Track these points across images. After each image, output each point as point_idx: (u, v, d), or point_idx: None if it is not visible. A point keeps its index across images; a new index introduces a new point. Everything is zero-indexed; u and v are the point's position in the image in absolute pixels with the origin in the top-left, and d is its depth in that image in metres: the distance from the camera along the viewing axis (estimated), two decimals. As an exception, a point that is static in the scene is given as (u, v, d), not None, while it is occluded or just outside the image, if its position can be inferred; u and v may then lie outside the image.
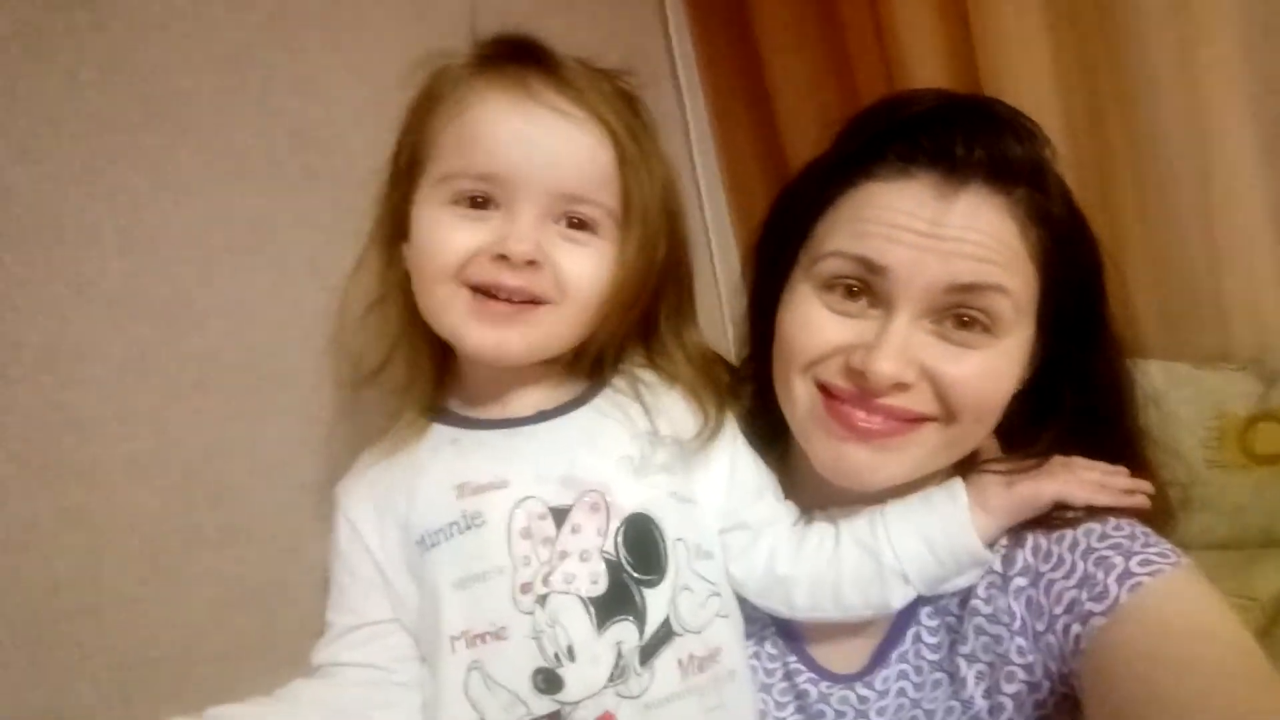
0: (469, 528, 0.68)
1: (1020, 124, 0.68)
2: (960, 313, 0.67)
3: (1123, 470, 0.71)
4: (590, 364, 0.77)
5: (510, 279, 0.67)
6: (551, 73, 0.68)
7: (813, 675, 0.76)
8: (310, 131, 0.91)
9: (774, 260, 0.77)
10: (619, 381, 0.77)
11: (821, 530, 0.74)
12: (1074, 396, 0.73)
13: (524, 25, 1.17)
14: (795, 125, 1.36)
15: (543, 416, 0.73)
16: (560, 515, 0.68)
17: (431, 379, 0.76)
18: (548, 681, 0.65)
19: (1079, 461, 0.72)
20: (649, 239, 0.72)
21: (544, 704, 0.65)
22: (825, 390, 0.71)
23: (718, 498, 0.75)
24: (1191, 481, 0.76)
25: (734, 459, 0.77)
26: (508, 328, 0.68)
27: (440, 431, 0.74)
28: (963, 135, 0.67)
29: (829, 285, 0.71)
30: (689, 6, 1.45)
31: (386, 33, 1.00)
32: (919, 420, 0.69)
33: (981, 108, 0.70)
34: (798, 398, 0.73)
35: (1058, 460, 0.72)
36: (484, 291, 0.67)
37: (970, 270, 0.66)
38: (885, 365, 0.66)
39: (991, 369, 0.68)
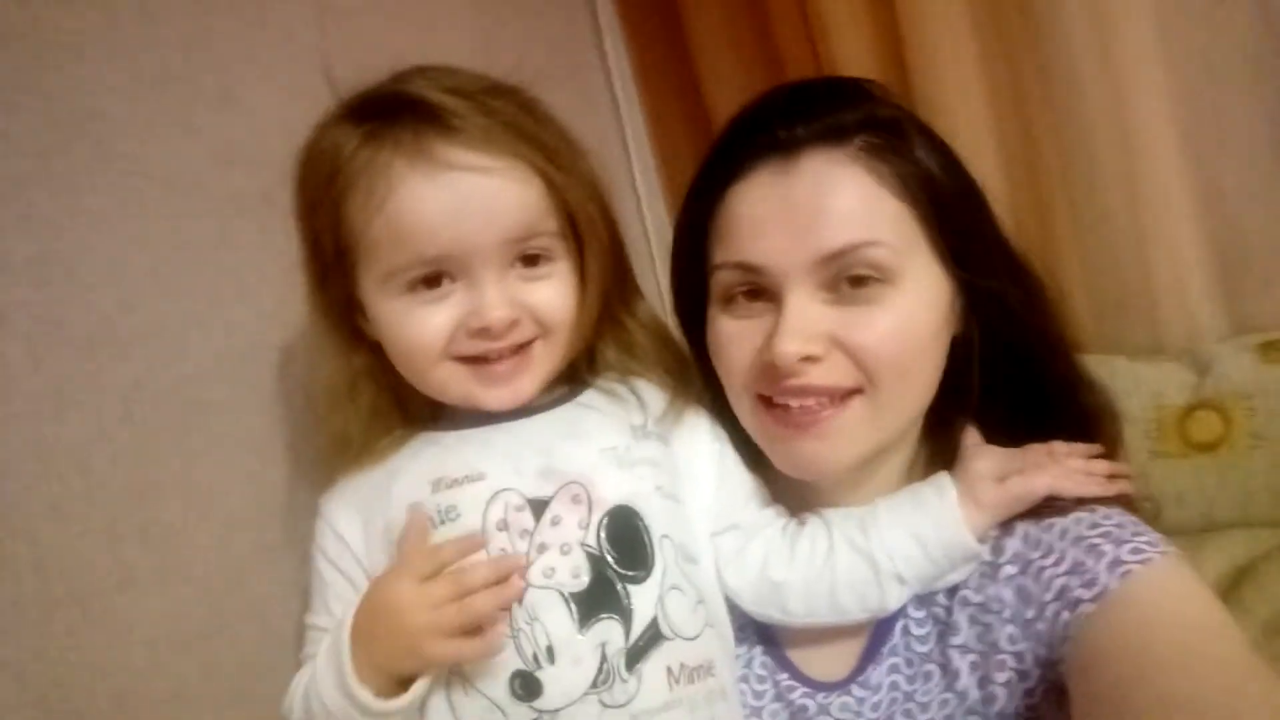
0: (444, 522, 0.67)
1: (847, 88, 0.73)
2: (849, 274, 0.68)
3: (1098, 451, 0.73)
4: (575, 367, 0.77)
5: (495, 343, 0.69)
6: (450, 129, 0.66)
7: (807, 690, 0.74)
8: (234, 150, 0.88)
9: (688, 295, 0.80)
10: (604, 381, 0.76)
11: (814, 534, 0.73)
12: (1002, 323, 0.74)
13: (454, 22, 1.17)
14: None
15: (524, 412, 0.73)
16: (539, 507, 0.66)
17: (424, 412, 0.77)
18: (526, 686, 0.62)
19: (1060, 448, 0.72)
20: (600, 241, 0.73)
21: (521, 712, 0.62)
22: (766, 401, 0.73)
23: (706, 498, 0.74)
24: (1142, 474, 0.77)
25: (721, 458, 0.77)
26: (516, 379, 0.70)
27: (423, 437, 0.74)
28: (781, 118, 0.71)
29: (729, 299, 0.74)
30: (619, 7, 1.45)
31: (309, 46, 0.97)
32: (846, 397, 0.70)
33: (799, 87, 0.75)
34: (745, 414, 0.76)
35: (1041, 449, 0.72)
36: (478, 358, 0.69)
37: (834, 235, 0.67)
38: (786, 345, 0.67)
39: (899, 319, 0.69)
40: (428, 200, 0.65)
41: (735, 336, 0.73)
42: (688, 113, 1.44)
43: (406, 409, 0.76)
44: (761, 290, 0.71)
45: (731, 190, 0.73)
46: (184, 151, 0.85)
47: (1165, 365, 0.96)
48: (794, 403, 0.70)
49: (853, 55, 1.23)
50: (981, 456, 0.73)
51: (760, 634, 0.78)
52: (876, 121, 0.70)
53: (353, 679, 0.62)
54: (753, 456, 0.78)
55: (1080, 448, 0.73)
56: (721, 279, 0.74)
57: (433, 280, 0.68)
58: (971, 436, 0.75)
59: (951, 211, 0.71)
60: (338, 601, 0.72)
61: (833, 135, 0.69)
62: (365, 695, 0.62)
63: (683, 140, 1.46)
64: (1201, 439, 0.91)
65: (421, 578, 0.63)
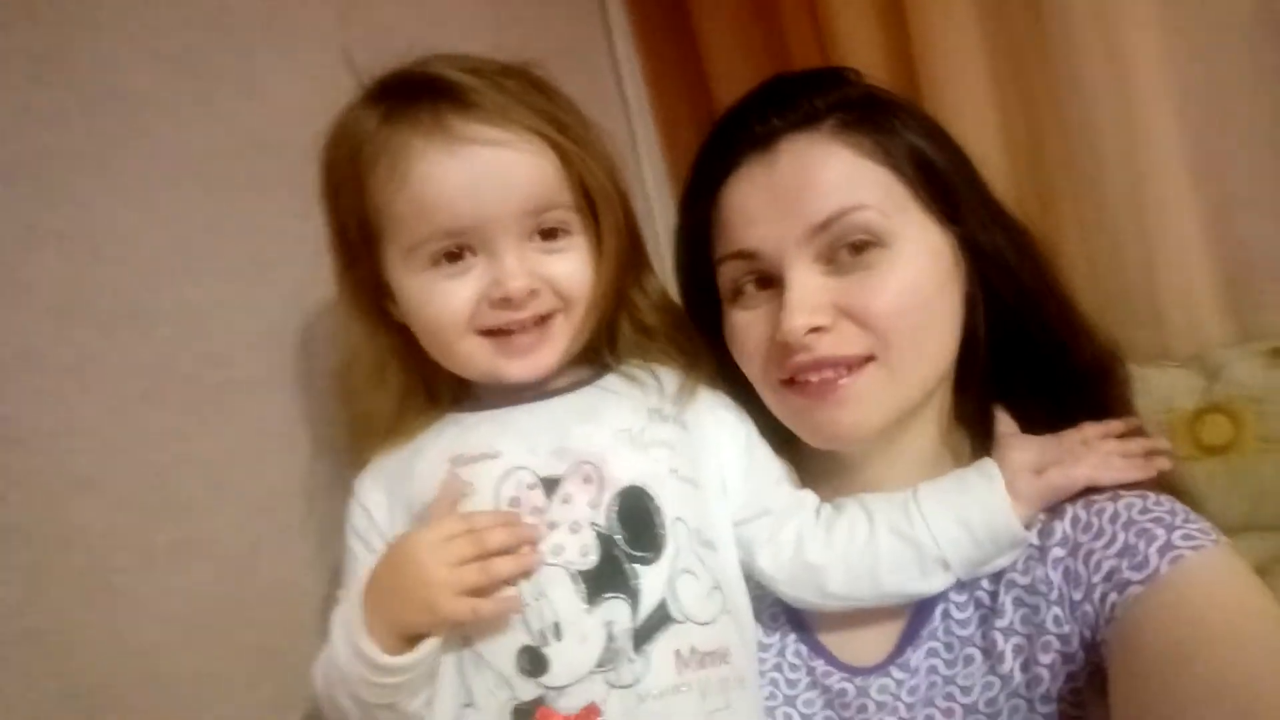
0: (460, 498, 0.68)
1: (818, 77, 0.75)
2: (844, 242, 0.70)
3: (1136, 431, 0.73)
4: (597, 350, 0.78)
5: (517, 314, 0.70)
6: (466, 104, 0.68)
7: (845, 674, 0.74)
8: (257, 134, 0.88)
9: (699, 297, 0.81)
10: (627, 367, 0.77)
11: (853, 517, 0.73)
12: (1002, 279, 0.75)
13: (464, 18, 1.17)
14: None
15: (544, 394, 0.74)
16: (551, 485, 0.67)
17: (450, 393, 0.78)
18: (533, 662, 0.63)
19: (1092, 432, 0.72)
20: (615, 216, 0.74)
21: (528, 688, 0.63)
22: (787, 382, 0.74)
23: (735, 484, 0.75)
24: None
25: (749, 443, 0.77)
26: (538, 350, 0.72)
27: (449, 418, 0.76)
28: (756, 113, 0.73)
29: (737, 291, 0.76)
30: (630, 10, 1.46)
31: (329, 34, 0.97)
32: (860, 364, 0.71)
33: (774, 83, 0.77)
34: (770, 400, 0.77)
35: (1074, 436, 0.72)
36: (500, 331, 0.70)
37: (819, 208, 0.69)
38: (793, 320, 0.69)
39: (901, 279, 0.70)
40: (447, 173, 0.67)
41: (747, 326, 0.75)
42: (696, 114, 1.45)
43: (433, 390, 0.78)
44: (767, 278, 0.73)
45: (722, 190, 0.75)
46: (207, 132, 0.85)
47: (1173, 371, 0.97)
48: (813, 377, 0.71)
49: (862, 57, 1.24)
50: (1018, 447, 0.73)
51: (793, 622, 0.78)
52: (849, 101, 0.73)
53: (363, 634, 0.63)
54: (780, 442, 0.78)
55: (1113, 427, 0.73)
56: (726, 273, 0.76)
57: (454, 254, 0.69)
58: (1005, 424, 0.75)
59: (938, 172, 0.73)
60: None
61: (806, 120, 0.72)
62: (374, 650, 0.62)
63: (691, 141, 1.46)
64: (1212, 442, 0.92)
65: (448, 537, 0.63)
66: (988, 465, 0.72)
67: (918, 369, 0.73)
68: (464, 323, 0.70)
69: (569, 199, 0.71)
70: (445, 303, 0.69)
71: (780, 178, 0.71)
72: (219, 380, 0.82)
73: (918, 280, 0.71)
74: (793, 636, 0.78)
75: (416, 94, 0.69)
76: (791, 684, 0.76)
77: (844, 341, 0.70)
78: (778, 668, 0.77)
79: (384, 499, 0.73)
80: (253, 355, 0.84)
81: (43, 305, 0.71)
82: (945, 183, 0.73)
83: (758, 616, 0.78)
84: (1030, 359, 0.76)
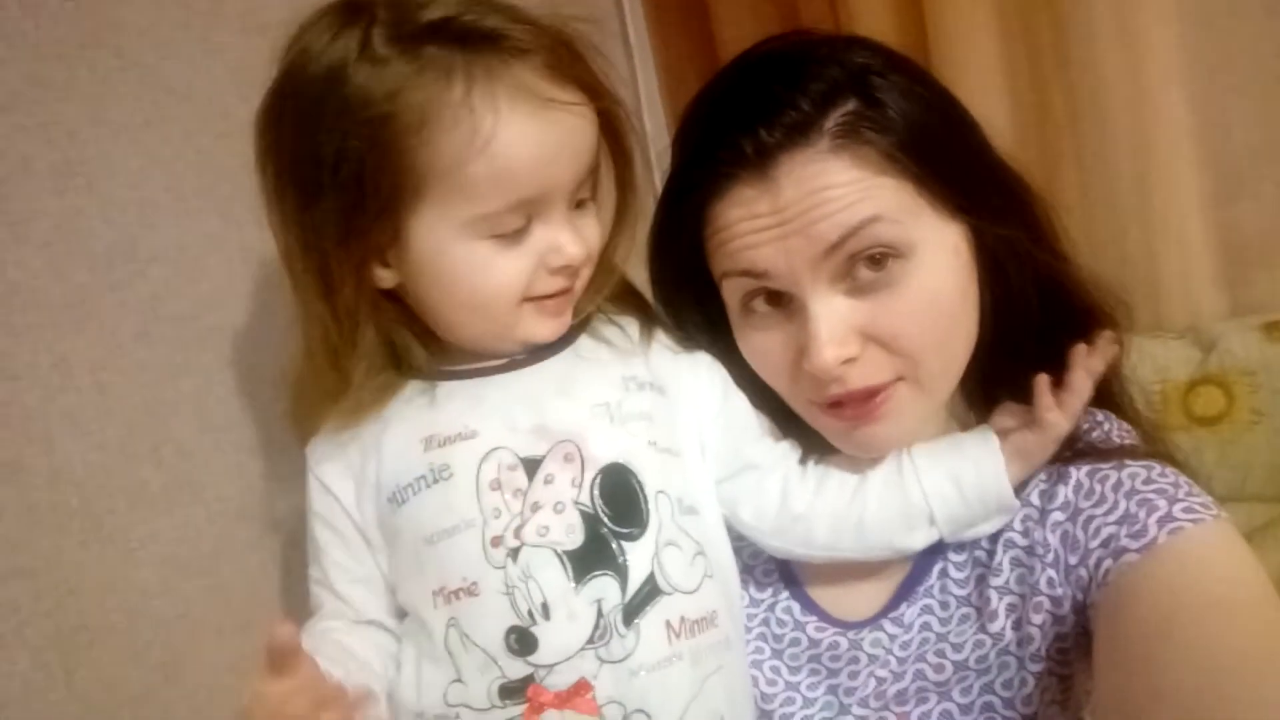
0: (436, 481, 0.65)
1: (790, 69, 0.68)
2: (859, 260, 0.66)
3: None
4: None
5: (570, 279, 0.68)
6: (534, 57, 0.63)
7: (838, 629, 0.75)
8: (254, 73, 0.86)
9: (689, 304, 0.78)
10: (596, 325, 0.75)
11: (843, 469, 0.73)
12: (1006, 248, 0.71)
13: None
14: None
15: (514, 364, 0.71)
16: (532, 466, 0.65)
17: (424, 356, 0.71)
18: (521, 641, 0.62)
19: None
20: (636, 177, 0.73)
21: (517, 666, 0.62)
22: (817, 406, 0.72)
23: (714, 440, 0.74)
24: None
25: (725, 397, 0.76)
26: (564, 311, 0.70)
27: (413, 386, 0.71)
28: (745, 133, 0.67)
29: (748, 309, 0.72)
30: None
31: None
32: (888, 386, 0.69)
33: (744, 80, 0.70)
34: (806, 415, 0.74)
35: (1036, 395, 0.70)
36: (539, 297, 0.68)
37: (830, 227, 0.65)
38: (823, 356, 0.66)
39: (925, 294, 0.67)
40: (533, 142, 0.62)
41: (768, 352, 0.72)
42: (703, 72, 1.43)
43: (403, 355, 0.71)
44: (778, 296, 0.70)
45: (713, 206, 0.70)
46: (205, 69, 0.83)
47: (1170, 342, 0.98)
48: (847, 410, 0.69)
49: (874, 23, 1.23)
50: (1005, 412, 0.73)
51: (786, 579, 0.79)
52: (837, 93, 0.66)
53: None
54: (759, 394, 0.78)
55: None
56: (732, 288, 0.72)
57: (519, 228, 0.65)
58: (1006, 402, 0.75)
59: (944, 158, 0.68)
60: (332, 564, 0.69)
61: (799, 133, 0.65)
62: None
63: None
64: (1204, 413, 0.93)
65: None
66: (984, 429, 0.72)
67: (947, 375, 0.71)
68: (519, 293, 0.66)
69: (594, 166, 0.69)
70: (499, 273, 0.65)
71: (784, 201, 0.66)
72: (213, 322, 0.81)
73: (942, 288, 0.68)
74: (785, 594, 0.78)
75: (476, 46, 0.62)
76: (778, 638, 0.76)
77: (874, 370, 0.68)
78: (765, 623, 0.77)
79: (349, 475, 0.69)
80: (248, 297, 0.83)
81: (37, 240, 0.70)
82: (950, 166, 0.68)
83: (750, 574, 0.78)
84: (1032, 325, 0.74)
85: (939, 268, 0.68)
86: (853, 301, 0.67)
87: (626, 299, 0.78)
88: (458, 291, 0.66)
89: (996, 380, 0.76)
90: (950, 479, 0.69)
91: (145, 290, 0.76)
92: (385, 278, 0.67)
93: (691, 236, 0.73)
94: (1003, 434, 0.71)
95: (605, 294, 0.74)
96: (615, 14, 1.44)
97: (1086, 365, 0.68)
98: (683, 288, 0.77)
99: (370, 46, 0.62)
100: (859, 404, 0.69)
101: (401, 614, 0.68)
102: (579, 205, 0.69)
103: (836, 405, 0.70)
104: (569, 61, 0.65)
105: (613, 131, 0.69)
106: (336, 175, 0.62)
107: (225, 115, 0.83)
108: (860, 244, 0.65)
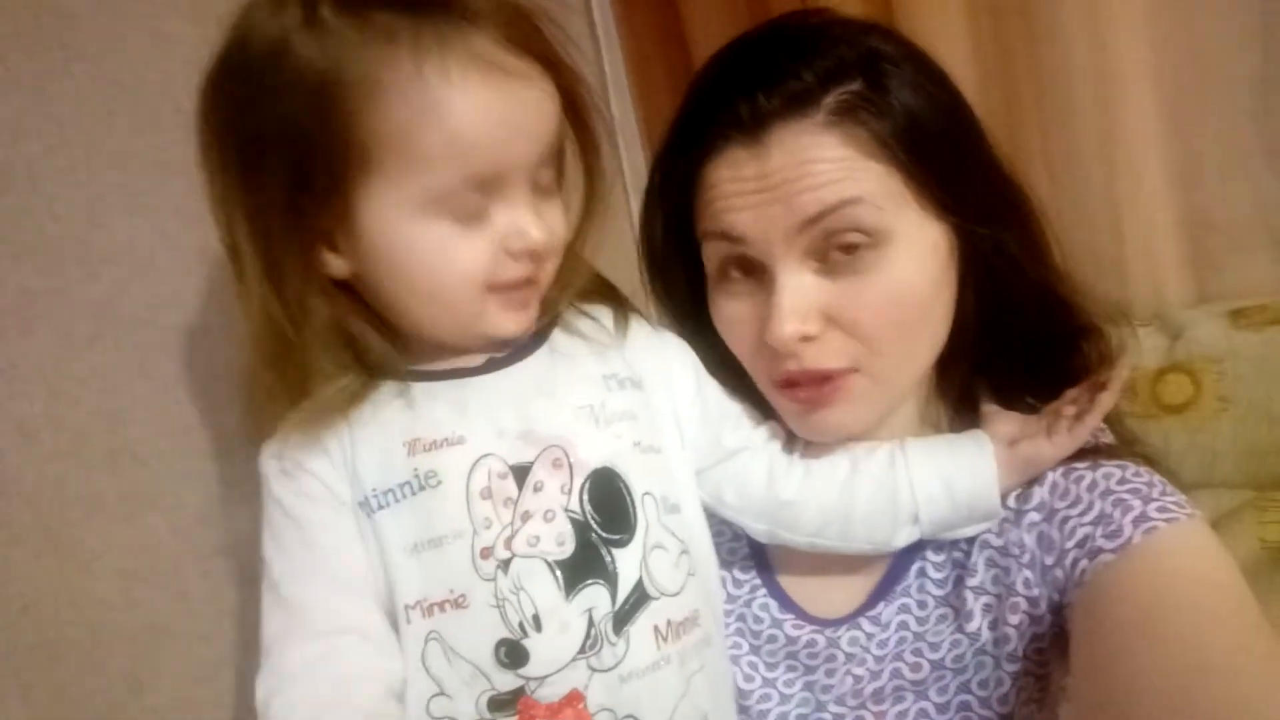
0: (423, 488, 0.62)
1: (799, 39, 0.68)
2: (835, 241, 0.66)
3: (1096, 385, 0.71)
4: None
5: (531, 266, 0.64)
6: (489, 25, 0.59)
7: (815, 627, 0.75)
8: (206, 62, 0.83)
9: (673, 265, 0.77)
10: (569, 318, 0.73)
11: (834, 458, 0.73)
12: (999, 258, 0.71)
13: None
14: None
15: (494, 365, 0.68)
16: (521, 473, 0.64)
17: (386, 353, 0.68)
18: (511, 654, 0.61)
19: (1065, 399, 0.71)
20: (602, 163, 0.70)
21: (507, 679, 0.60)
22: (776, 384, 0.72)
23: (691, 429, 0.73)
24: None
25: (699, 386, 0.75)
26: (529, 304, 0.67)
27: (385, 387, 0.67)
28: (740, 90, 0.67)
29: (723, 274, 0.72)
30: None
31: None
32: (843, 374, 0.69)
33: (752, 44, 0.71)
34: (769, 397, 0.74)
35: (1050, 410, 0.71)
36: (501, 287, 0.64)
37: (811, 200, 0.65)
38: (781, 328, 0.66)
39: (895, 285, 0.67)
40: (490, 113, 0.59)
41: (736, 320, 0.72)
42: (670, 57, 1.41)
43: (362, 352, 0.67)
44: (752, 264, 0.70)
45: (704, 166, 0.70)
46: (152, 60, 0.79)
47: (1138, 330, 0.98)
48: (802, 391, 0.70)
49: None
50: (999, 420, 0.72)
51: (763, 574, 0.78)
52: (843, 72, 0.66)
53: None
54: (738, 379, 0.77)
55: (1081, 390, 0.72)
56: (710, 251, 0.72)
57: (478, 207, 0.62)
58: (989, 405, 0.75)
59: (939, 157, 0.68)
60: (300, 566, 0.63)
61: (797, 104, 0.65)
62: None
63: (664, 86, 1.43)
64: (1171, 401, 0.93)
65: None
66: (980, 434, 0.71)
67: (904, 371, 0.71)
68: (481, 280, 0.62)
69: (558, 148, 0.66)
70: (457, 256, 0.61)
71: (770, 168, 0.66)
72: (170, 323, 0.78)
73: (913, 283, 0.68)
74: (762, 591, 0.78)
75: (428, 12, 0.58)
76: (756, 634, 0.76)
77: (830, 354, 0.67)
78: (742, 618, 0.77)
79: (329, 466, 0.64)
80: (206, 298, 0.80)
81: (-20, 242, 0.67)
82: (947, 171, 0.68)
83: (728, 569, 0.78)
84: (1018, 334, 0.74)
85: (913, 261, 0.68)
86: (821, 281, 0.67)
87: (598, 291, 0.75)
88: (415, 278, 0.62)
89: (978, 386, 0.76)
90: (942, 482, 0.69)
91: (97, 291, 0.74)
92: (336, 265, 0.63)
93: (682, 194, 0.73)
94: (1005, 441, 0.70)
95: (575, 288, 0.71)
96: (583, 9, 1.41)
97: (1101, 402, 0.69)
98: (670, 248, 0.77)
99: (316, 15, 0.58)
100: (813, 386, 0.69)
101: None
102: (543, 190, 0.66)
103: (792, 385, 0.70)
104: (527, 33, 0.62)
105: (577, 112, 0.66)
106: (280, 152, 0.59)
107: (177, 109, 0.79)
108: (837, 223, 0.65)
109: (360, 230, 0.61)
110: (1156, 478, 0.67)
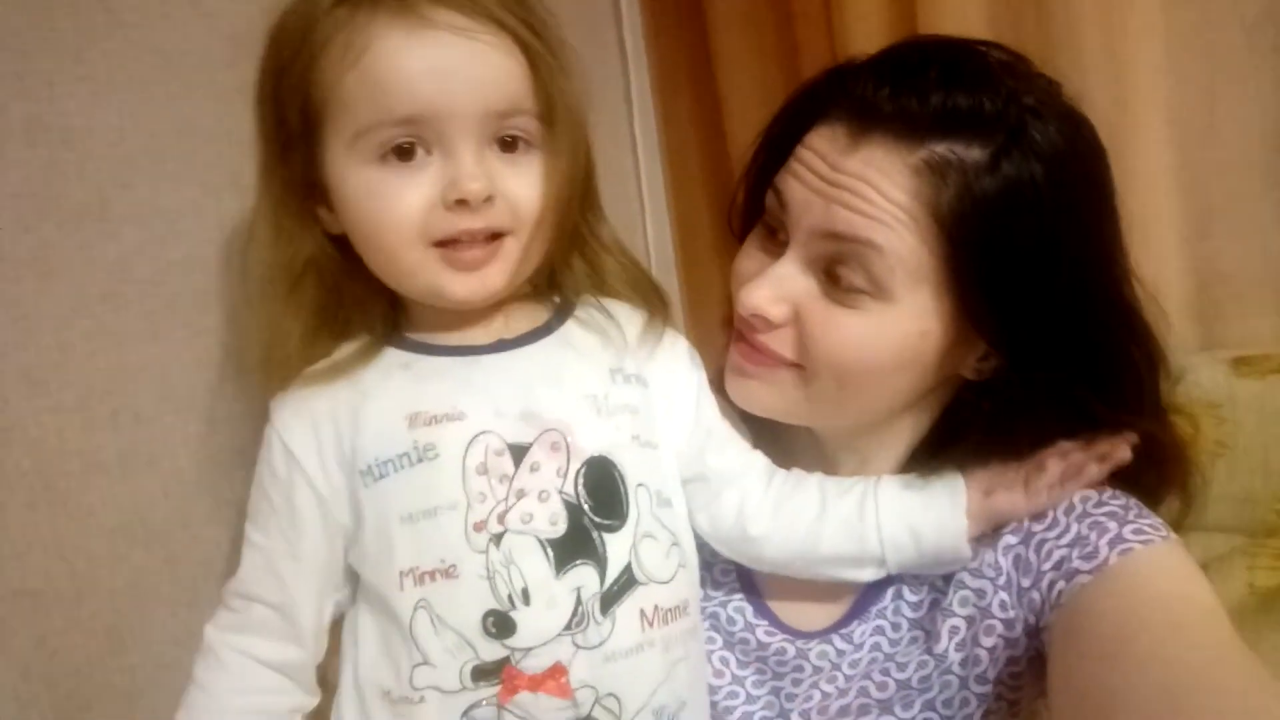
0: (420, 460, 0.64)
1: (975, 68, 0.65)
2: (838, 267, 0.67)
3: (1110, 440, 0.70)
4: (547, 289, 0.75)
5: (472, 222, 0.64)
6: None
7: (786, 636, 0.75)
8: (243, 39, 0.84)
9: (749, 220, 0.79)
10: (583, 311, 0.74)
11: (805, 495, 0.74)
12: (1052, 381, 0.67)
13: None
14: (736, 95, 1.36)
15: (502, 346, 0.70)
16: (519, 452, 0.65)
17: (384, 316, 0.72)
18: (498, 625, 0.62)
19: (1056, 451, 0.70)
20: (578, 140, 0.70)
21: (493, 649, 0.62)
22: (734, 336, 0.75)
23: (681, 436, 0.74)
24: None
25: (699, 392, 0.76)
26: (485, 269, 0.66)
27: (392, 355, 0.70)
28: (887, 83, 0.66)
29: (771, 230, 0.74)
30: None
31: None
32: (780, 363, 0.71)
33: (916, 46, 0.70)
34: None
35: (1034, 462, 0.70)
36: (449, 242, 0.65)
37: (844, 219, 0.65)
38: (752, 297, 0.68)
39: (861, 334, 0.67)
40: (408, 55, 0.61)
41: (742, 269, 0.75)
42: (696, 80, 1.43)
43: (352, 313, 0.72)
44: (778, 231, 0.72)
45: (813, 129, 0.70)
46: (193, 32, 0.81)
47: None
48: (743, 346, 0.74)
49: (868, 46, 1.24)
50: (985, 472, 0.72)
51: (742, 580, 0.79)
52: (969, 125, 0.62)
53: None
54: (758, 423, 0.78)
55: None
56: (767, 201, 0.74)
57: (406, 150, 0.63)
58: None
59: (1000, 277, 0.63)
60: (277, 527, 0.68)
61: (905, 126, 0.64)
62: None
63: (689, 107, 1.45)
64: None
65: None
66: (956, 484, 0.71)
67: (839, 404, 0.71)
68: (415, 229, 0.63)
69: (533, 107, 0.66)
70: (394, 204, 0.63)
71: (847, 164, 0.65)
72: (181, 288, 0.78)
73: (875, 348, 0.67)
74: (739, 595, 0.79)
75: None
76: (729, 635, 0.76)
77: (779, 342, 0.69)
78: (715, 616, 0.77)
79: (312, 437, 0.67)
80: (220, 267, 0.81)
81: (8, 191, 0.68)
82: (1000, 290, 0.63)
83: (708, 571, 0.80)
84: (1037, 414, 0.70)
85: (891, 333, 0.67)
86: (812, 286, 0.69)
87: (640, 293, 0.77)
88: (359, 222, 0.66)
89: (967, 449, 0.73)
90: (909, 532, 0.70)
91: (115, 251, 0.74)
92: (328, 219, 0.69)
93: (789, 140, 0.73)
94: (982, 488, 0.70)
95: (538, 256, 0.70)
96: (613, 22, 1.43)
97: (1089, 475, 0.69)
98: (759, 178, 0.78)
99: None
100: (751, 350, 0.72)
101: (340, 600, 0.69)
102: (508, 147, 0.66)
103: (741, 340, 0.73)
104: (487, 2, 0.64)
105: (538, 80, 0.66)
106: (271, 111, 0.67)
107: (212, 81, 0.82)
108: (850, 254, 0.66)
109: (329, 182, 0.66)
110: (1132, 500, 0.68)
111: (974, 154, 0.62)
